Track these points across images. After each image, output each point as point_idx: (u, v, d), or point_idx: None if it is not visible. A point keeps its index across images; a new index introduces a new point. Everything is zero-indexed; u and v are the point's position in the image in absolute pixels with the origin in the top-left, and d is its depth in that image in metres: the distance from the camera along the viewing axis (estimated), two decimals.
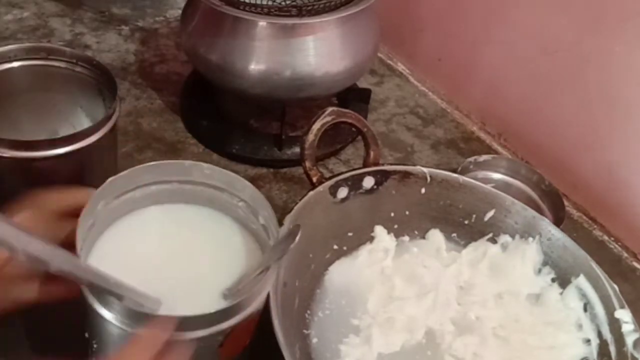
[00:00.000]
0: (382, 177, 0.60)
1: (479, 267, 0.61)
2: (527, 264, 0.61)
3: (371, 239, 0.61)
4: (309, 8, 0.68)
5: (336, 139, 0.79)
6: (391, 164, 0.63)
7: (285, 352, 0.43)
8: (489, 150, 0.87)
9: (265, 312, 0.44)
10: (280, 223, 0.49)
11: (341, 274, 0.59)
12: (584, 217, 0.80)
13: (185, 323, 0.40)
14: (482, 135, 0.89)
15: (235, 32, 0.69)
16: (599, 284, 0.56)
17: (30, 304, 0.43)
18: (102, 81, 0.58)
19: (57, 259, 0.34)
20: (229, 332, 0.41)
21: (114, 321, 0.40)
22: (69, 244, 0.39)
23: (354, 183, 0.59)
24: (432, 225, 0.63)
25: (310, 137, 0.58)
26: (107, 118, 0.54)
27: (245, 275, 0.44)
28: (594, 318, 0.56)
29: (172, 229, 0.49)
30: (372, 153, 0.61)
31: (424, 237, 0.64)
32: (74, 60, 0.59)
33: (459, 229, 0.64)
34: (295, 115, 0.79)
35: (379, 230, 0.62)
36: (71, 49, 0.59)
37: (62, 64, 0.59)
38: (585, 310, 0.57)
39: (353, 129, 0.62)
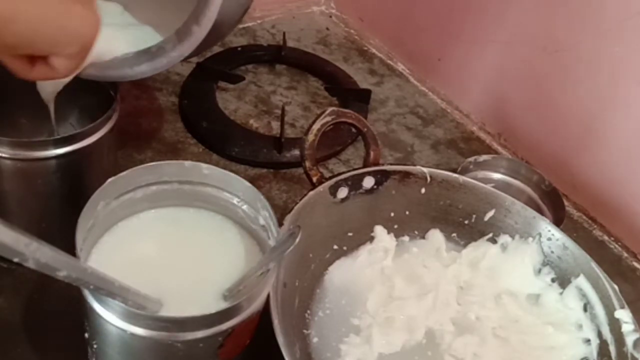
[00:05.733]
0: (382, 177, 0.60)
1: (478, 267, 0.61)
2: (527, 264, 0.61)
3: (371, 239, 0.61)
4: None
5: (336, 140, 0.79)
6: (391, 164, 0.62)
7: (285, 352, 0.43)
8: (489, 150, 0.87)
9: (265, 312, 0.44)
10: (280, 223, 0.49)
11: (341, 273, 0.59)
12: (584, 217, 0.80)
13: (186, 324, 0.40)
14: (482, 135, 0.89)
15: None
16: (599, 284, 0.56)
17: None
18: (102, 81, 0.58)
19: (65, 265, 0.34)
20: (229, 333, 0.41)
21: (114, 321, 0.40)
22: None
23: (354, 183, 0.59)
24: (432, 225, 0.63)
25: (310, 137, 0.58)
26: (107, 118, 0.54)
27: (245, 276, 0.44)
28: (594, 318, 0.56)
29: (172, 230, 0.49)
30: (372, 153, 0.61)
31: (424, 237, 0.64)
32: None
33: (459, 229, 0.64)
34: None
35: (379, 230, 0.62)
36: None
37: None
38: (585, 310, 0.57)
39: (353, 129, 0.62)
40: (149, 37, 0.54)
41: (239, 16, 0.63)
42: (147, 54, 0.53)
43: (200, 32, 0.51)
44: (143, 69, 0.53)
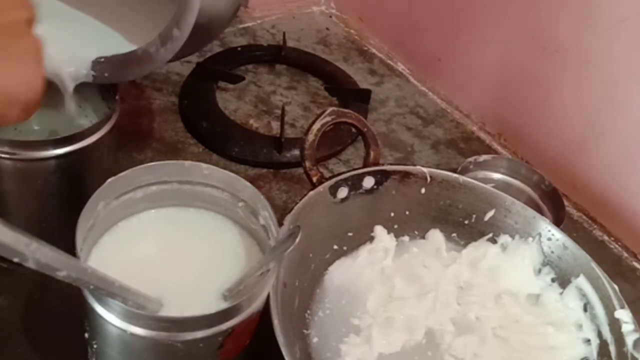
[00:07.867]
0: (382, 177, 0.60)
1: (478, 267, 0.61)
2: (527, 264, 0.61)
3: (371, 239, 0.61)
4: None
5: (336, 140, 0.79)
6: (391, 164, 0.62)
7: (285, 352, 0.43)
8: (489, 150, 0.87)
9: (265, 312, 0.44)
10: (280, 223, 0.49)
11: (341, 273, 0.59)
12: (584, 217, 0.80)
13: (186, 324, 0.40)
14: (482, 135, 0.89)
15: None
16: (599, 284, 0.56)
17: None
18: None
19: (65, 265, 0.34)
20: (229, 333, 0.41)
21: (114, 321, 0.40)
22: None
23: (354, 183, 0.59)
24: (432, 225, 0.63)
25: (310, 137, 0.58)
26: (107, 118, 0.54)
27: (245, 276, 0.44)
28: (594, 318, 0.56)
29: (172, 230, 0.49)
30: (372, 153, 0.61)
31: (424, 237, 0.64)
32: None
33: (459, 229, 0.64)
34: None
35: (379, 230, 0.61)
36: None
37: None
38: (585, 310, 0.57)
39: (353, 129, 0.62)
40: (118, 43, 0.55)
41: (230, 16, 0.63)
42: (133, 57, 0.53)
43: (181, 36, 0.52)
44: (130, 72, 0.53)
